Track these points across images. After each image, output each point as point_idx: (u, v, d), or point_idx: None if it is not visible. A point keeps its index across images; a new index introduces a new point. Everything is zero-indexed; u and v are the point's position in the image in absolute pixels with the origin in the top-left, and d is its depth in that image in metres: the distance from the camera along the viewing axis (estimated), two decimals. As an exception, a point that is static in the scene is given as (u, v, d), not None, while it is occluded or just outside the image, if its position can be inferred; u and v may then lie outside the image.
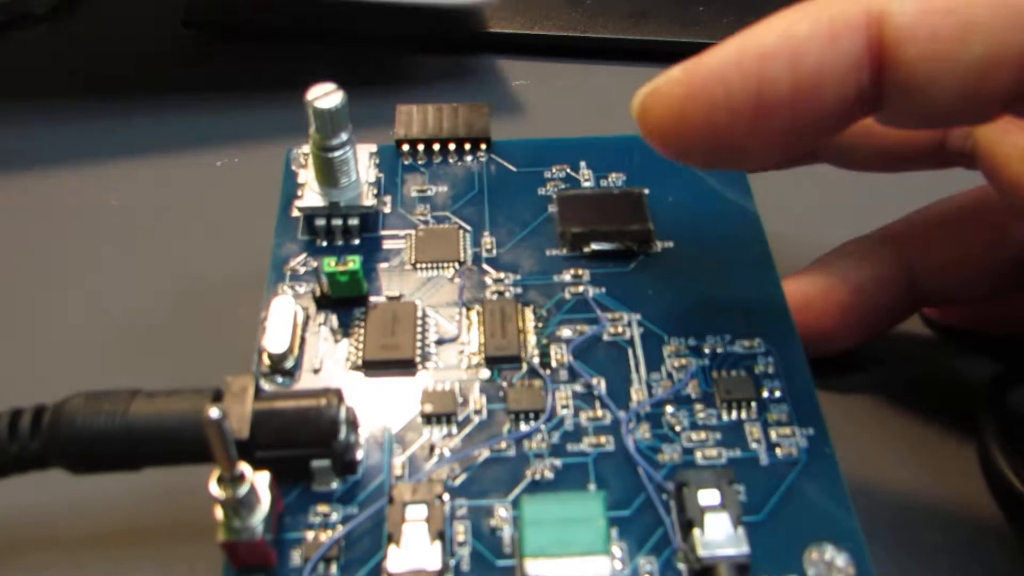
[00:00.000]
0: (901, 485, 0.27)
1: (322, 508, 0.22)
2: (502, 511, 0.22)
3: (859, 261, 0.28)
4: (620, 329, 0.26)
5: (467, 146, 0.31)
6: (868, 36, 0.18)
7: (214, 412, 0.19)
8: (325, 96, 0.26)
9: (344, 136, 0.27)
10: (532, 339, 0.26)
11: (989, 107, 0.18)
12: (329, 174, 0.28)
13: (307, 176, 0.28)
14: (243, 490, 0.20)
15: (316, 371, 0.25)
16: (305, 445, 0.22)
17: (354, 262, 0.26)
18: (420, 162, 0.31)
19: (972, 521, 0.27)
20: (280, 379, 0.25)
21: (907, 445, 0.29)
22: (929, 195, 0.29)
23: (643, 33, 0.42)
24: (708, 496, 0.22)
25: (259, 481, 0.21)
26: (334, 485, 0.23)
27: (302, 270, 0.28)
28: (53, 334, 0.32)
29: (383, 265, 0.28)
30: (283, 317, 0.25)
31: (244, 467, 0.20)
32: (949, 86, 0.17)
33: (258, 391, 0.23)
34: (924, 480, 0.27)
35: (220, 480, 0.20)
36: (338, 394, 0.22)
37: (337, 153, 0.27)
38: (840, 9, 0.18)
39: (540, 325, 0.26)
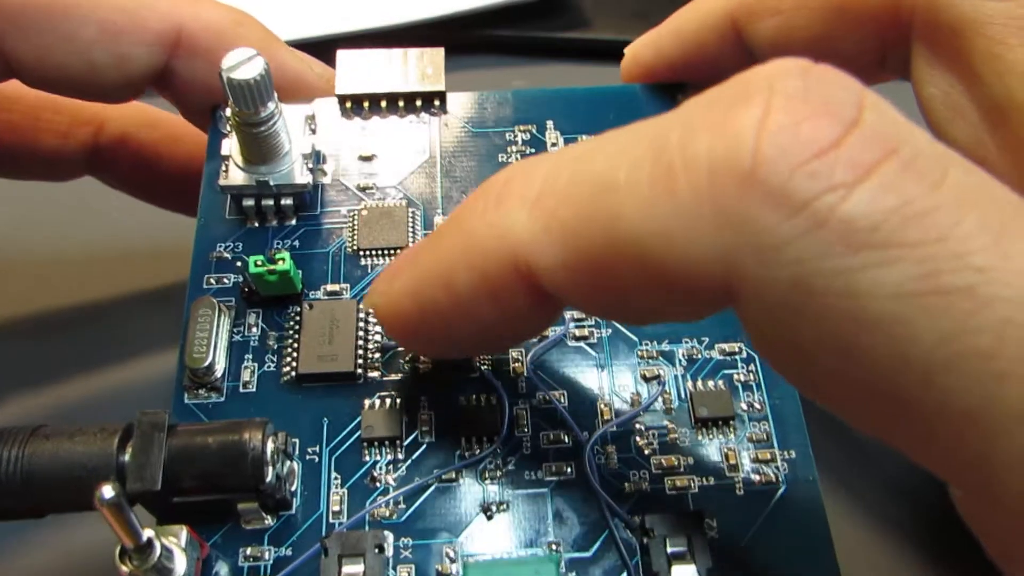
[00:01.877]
0: (881, 511, 0.25)
1: (252, 551, 0.20)
2: (450, 552, 0.20)
3: None
4: (586, 332, 0.23)
5: (418, 102, 0.27)
6: (527, 289, 0.17)
7: (107, 491, 0.16)
8: (243, 64, 0.22)
9: (271, 107, 0.23)
10: (487, 344, 0.23)
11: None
12: (255, 150, 0.24)
13: (231, 147, 0.25)
14: (152, 560, 0.18)
15: (246, 384, 0.23)
16: (228, 490, 0.20)
17: (284, 260, 0.23)
18: (365, 121, 0.27)
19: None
20: (205, 393, 0.22)
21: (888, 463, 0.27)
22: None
23: (643, 33, 0.39)
24: (675, 544, 0.20)
25: (172, 539, 0.19)
26: (267, 522, 0.21)
27: (230, 256, 0.25)
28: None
29: (321, 251, 0.25)
30: (204, 325, 0.22)
31: (149, 533, 0.18)
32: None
33: (173, 427, 0.20)
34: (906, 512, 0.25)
35: (123, 554, 0.18)
36: (263, 427, 0.20)
37: (262, 128, 0.23)
38: (491, 265, 0.17)
39: (497, 326, 0.23)
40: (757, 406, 0.22)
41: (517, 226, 0.17)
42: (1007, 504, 0.13)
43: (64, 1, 0.24)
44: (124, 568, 0.18)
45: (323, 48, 0.40)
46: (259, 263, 0.23)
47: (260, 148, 0.24)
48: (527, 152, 0.27)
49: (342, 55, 0.27)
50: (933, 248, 0.13)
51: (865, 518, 0.26)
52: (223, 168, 0.25)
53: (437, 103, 0.27)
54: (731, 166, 0.14)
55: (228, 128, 0.25)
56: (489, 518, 0.21)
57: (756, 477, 0.21)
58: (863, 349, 0.14)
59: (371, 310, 0.22)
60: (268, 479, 0.20)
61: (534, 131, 0.27)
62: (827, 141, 0.14)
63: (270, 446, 0.20)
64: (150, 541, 0.18)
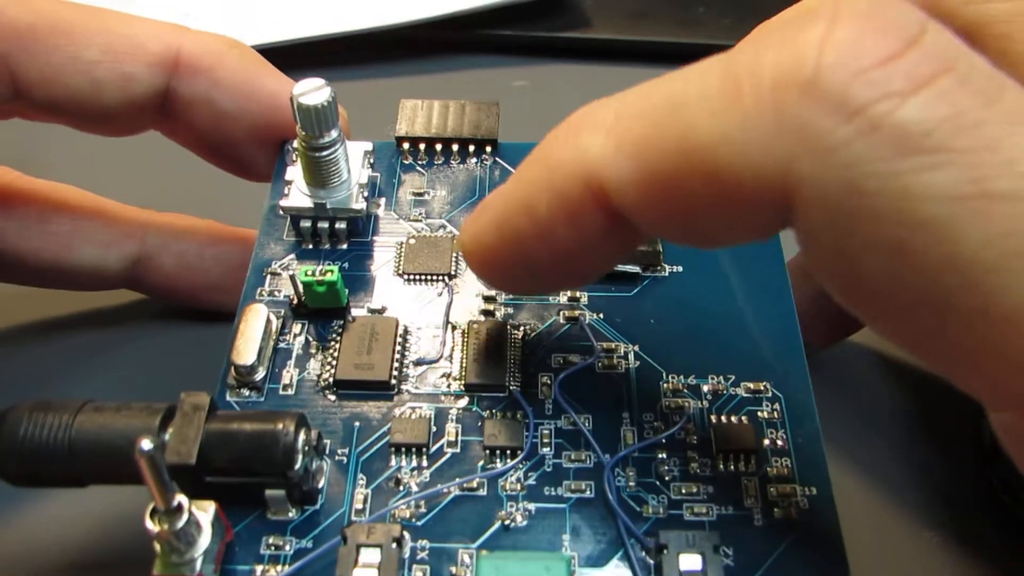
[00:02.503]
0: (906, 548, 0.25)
1: (275, 540, 0.21)
2: (466, 557, 0.21)
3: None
4: (615, 361, 0.24)
5: (471, 148, 0.29)
6: (602, 210, 0.18)
7: (146, 444, 0.17)
8: (313, 92, 0.24)
9: (333, 134, 0.25)
10: (519, 367, 0.24)
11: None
12: (316, 174, 0.26)
13: (295, 174, 0.27)
14: (180, 524, 0.19)
15: (286, 387, 0.24)
16: (258, 473, 0.21)
17: (332, 272, 0.24)
18: (420, 162, 0.29)
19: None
20: (247, 393, 0.23)
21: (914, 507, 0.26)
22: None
23: (643, 33, 0.42)
24: (689, 561, 0.20)
25: (202, 512, 0.19)
26: (291, 514, 0.21)
27: (284, 273, 0.26)
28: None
29: (369, 273, 0.26)
30: (254, 327, 0.24)
31: (182, 499, 0.19)
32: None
33: (213, 410, 0.21)
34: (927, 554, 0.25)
35: (155, 513, 0.18)
36: (297, 419, 0.21)
37: (325, 153, 0.25)
38: (568, 187, 0.18)
39: (529, 352, 0.24)
40: (780, 443, 0.23)
41: (593, 148, 0.18)
42: None
43: (70, 24, 0.27)
44: (153, 526, 0.18)
45: (325, 47, 0.43)
46: (309, 273, 0.24)
47: (321, 173, 0.26)
48: (570, 198, 0.28)
49: (405, 103, 0.30)
50: (982, 155, 0.14)
51: (886, 561, 0.25)
52: (285, 191, 0.26)
53: (489, 150, 0.29)
54: (794, 75, 0.15)
55: (294, 157, 0.27)
56: (507, 528, 0.21)
57: (776, 511, 0.21)
58: (911, 251, 0.14)
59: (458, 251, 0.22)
60: (296, 467, 0.20)
61: (578, 179, 0.28)
62: (887, 53, 0.15)
63: (302, 437, 0.21)
64: (180, 506, 0.19)
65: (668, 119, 0.17)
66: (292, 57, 0.40)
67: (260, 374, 0.24)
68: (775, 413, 0.23)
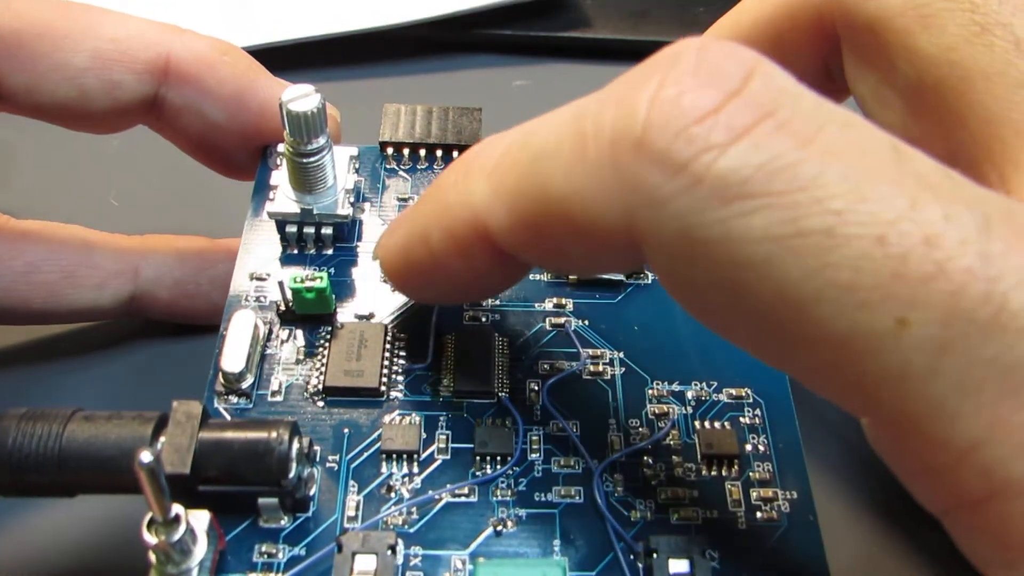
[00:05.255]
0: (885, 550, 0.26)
1: (268, 548, 0.21)
2: (458, 563, 0.21)
3: None
4: (601, 368, 0.25)
5: (455, 153, 0.29)
6: (486, 247, 0.20)
7: (145, 456, 0.17)
8: (301, 98, 0.24)
9: (321, 141, 0.25)
10: (507, 373, 0.24)
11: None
12: (303, 180, 0.26)
13: (280, 179, 0.27)
14: (177, 535, 0.19)
15: (274, 393, 0.24)
16: (252, 482, 0.21)
17: (321, 279, 0.24)
18: (404, 167, 0.29)
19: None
20: (235, 400, 0.23)
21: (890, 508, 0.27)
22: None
23: (643, 33, 0.42)
24: (678, 565, 0.20)
25: (197, 522, 0.19)
26: (283, 522, 0.21)
27: (271, 279, 0.26)
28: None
29: (355, 279, 0.26)
30: (242, 333, 0.24)
31: (179, 509, 0.19)
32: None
33: (206, 418, 0.21)
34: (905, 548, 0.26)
35: (152, 524, 0.18)
36: (291, 427, 0.21)
37: (312, 159, 0.25)
38: (457, 226, 0.20)
39: (516, 359, 0.25)
40: (761, 448, 0.23)
41: (477, 194, 0.20)
42: (887, 418, 0.16)
43: (56, 31, 0.26)
44: (150, 538, 0.18)
45: (327, 47, 0.42)
46: (298, 279, 0.24)
47: (308, 178, 0.26)
48: (553, 205, 0.28)
49: (388, 107, 0.30)
50: (796, 196, 0.15)
51: (864, 561, 0.26)
52: (271, 196, 0.26)
53: (472, 156, 0.29)
54: (627, 134, 0.16)
55: (279, 162, 0.27)
56: (498, 534, 0.21)
57: (759, 514, 0.22)
58: (744, 287, 0.16)
59: (376, 260, 0.24)
60: (291, 475, 0.21)
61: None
62: (707, 108, 0.16)
63: (295, 445, 0.21)
64: (178, 517, 0.19)
65: (531, 170, 0.18)
66: (291, 57, 0.40)
67: (248, 381, 0.24)
68: (756, 419, 0.24)
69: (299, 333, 0.25)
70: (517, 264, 0.21)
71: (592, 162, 0.17)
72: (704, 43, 0.17)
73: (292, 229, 0.26)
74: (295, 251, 0.27)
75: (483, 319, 0.26)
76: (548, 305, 0.26)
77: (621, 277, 0.26)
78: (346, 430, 0.23)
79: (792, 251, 0.15)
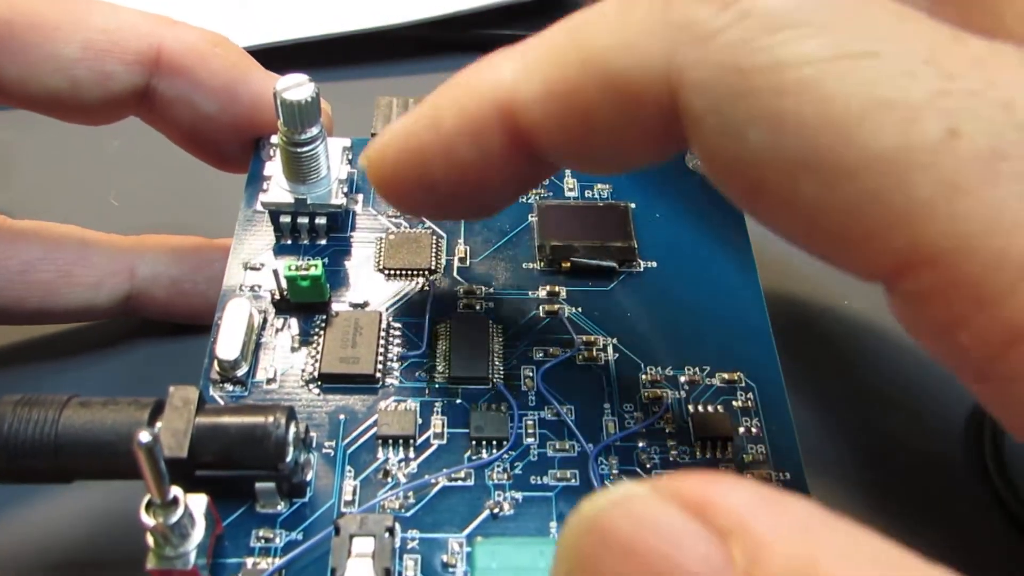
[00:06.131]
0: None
1: (265, 533, 0.21)
2: (456, 546, 0.21)
3: None
4: (595, 353, 0.25)
5: (447, 145, 0.29)
6: (506, 130, 0.19)
7: (144, 436, 0.17)
8: (295, 87, 0.24)
9: (314, 130, 0.25)
10: (501, 359, 0.24)
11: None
12: (297, 169, 0.26)
13: (274, 169, 0.27)
14: (175, 517, 0.19)
15: (270, 381, 0.24)
16: (249, 466, 0.21)
17: (316, 267, 0.24)
18: (397, 159, 0.29)
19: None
20: (231, 387, 0.23)
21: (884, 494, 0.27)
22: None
23: None
24: (674, 545, 0.20)
25: (195, 505, 0.19)
26: (280, 507, 0.21)
27: (265, 268, 0.26)
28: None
29: (349, 269, 0.26)
30: (237, 321, 0.24)
31: (177, 491, 0.19)
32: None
33: (202, 403, 0.21)
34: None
35: (150, 506, 0.18)
36: (288, 412, 0.21)
37: (306, 148, 0.25)
38: (477, 105, 0.19)
39: (510, 345, 0.25)
40: (755, 431, 0.23)
41: (504, 70, 0.19)
42: (934, 249, 0.14)
43: (48, 22, 0.26)
44: (148, 520, 0.18)
45: (326, 47, 0.43)
46: (293, 268, 0.24)
47: (302, 168, 0.26)
48: (545, 195, 0.29)
49: (380, 100, 0.30)
50: (841, 24, 0.15)
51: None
52: (264, 186, 0.26)
53: (465, 147, 0.29)
54: None
55: (272, 153, 0.27)
56: (495, 517, 0.22)
57: (752, 495, 0.22)
58: (789, 116, 0.15)
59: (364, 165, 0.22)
60: (287, 459, 0.21)
61: (552, 177, 0.29)
62: None
63: (292, 430, 0.21)
64: (176, 499, 0.19)
65: (571, 39, 0.18)
66: (289, 57, 0.40)
67: (243, 369, 0.24)
68: (749, 402, 0.24)
69: (294, 322, 0.25)
70: (531, 161, 0.20)
71: (640, 13, 0.17)
72: None
73: (286, 219, 0.26)
74: (289, 241, 0.27)
75: (478, 307, 0.26)
76: (542, 293, 0.26)
77: (614, 265, 0.26)
78: (342, 416, 0.23)
79: (837, 72, 0.15)
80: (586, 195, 0.29)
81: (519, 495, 0.22)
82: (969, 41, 0.15)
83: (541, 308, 0.26)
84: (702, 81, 0.16)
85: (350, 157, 0.28)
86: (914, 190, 0.14)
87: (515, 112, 0.19)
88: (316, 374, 0.24)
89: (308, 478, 0.22)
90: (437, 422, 0.23)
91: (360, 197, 0.28)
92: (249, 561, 0.21)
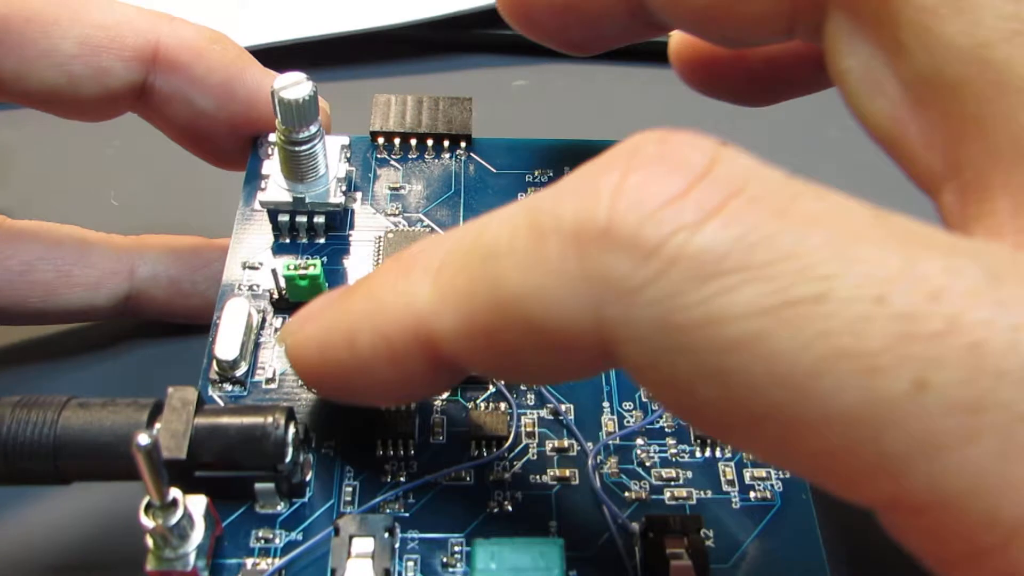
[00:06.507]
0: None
1: (264, 533, 0.21)
2: (455, 546, 0.21)
3: None
4: (594, 352, 0.25)
5: (446, 143, 0.29)
6: (426, 357, 0.18)
7: (143, 439, 0.17)
8: (293, 86, 0.24)
9: (312, 129, 0.25)
10: (500, 358, 0.24)
11: None
12: (295, 168, 0.26)
13: (272, 168, 0.27)
14: (174, 518, 0.19)
15: (269, 381, 0.24)
16: (248, 467, 0.21)
17: (315, 266, 0.24)
18: (395, 156, 0.29)
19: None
20: (230, 387, 0.23)
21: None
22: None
23: None
24: (673, 544, 0.20)
25: (194, 506, 0.19)
26: (279, 508, 0.21)
27: (263, 268, 0.26)
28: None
29: (348, 267, 0.26)
30: (236, 321, 0.24)
31: (176, 493, 0.19)
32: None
33: (201, 404, 0.21)
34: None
35: (149, 508, 0.18)
36: (287, 412, 0.21)
37: (304, 147, 0.25)
38: (393, 331, 0.18)
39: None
40: (754, 429, 0.23)
41: (420, 296, 0.18)
42: (917, 502, 0.13)
43: (44, 17, 0.26)
44: (148, 521, 0.18)
45: (326, 47, 0.43)
46: (291, 267, 0.24)
47: (300, 167, 0.26)
48: (544, 193, 0.28)
49: (378, 98, 0.30)
50: (779, 266, 0.14)
51: (856, 536, 0.26)
52: (262, 185, 0.26)
53: (464, 145, 0.29)
54: (590, 224, 0.15)
55: (270, 151, 0.27)
56: (494, 516, 0.22)
57: (752, 494, 0.22)
58: (735, 372, 0.14)
59: (281, 346, 0.22)
60: (287, 460, 0.21)
61: (552, 174, 0.29)
62: (676, 191, 0.15)
63: (291, 430, 0.21)
64: (175, 501, 0.19)
65: (483, 271, 0.17)
66: (289, 57, 0.40)
67: (242, 368, 0.24)
68: (748, 400, 0.24)
69: (292, 321, 0.25)
70: (457, 373, 0.19)
71: (552, 257, 0.16)
72: (662, 135, 0.16)
73: (284, 218, 0.26)
74: (287, 240, 0.27)
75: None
76: (541, 291, 0.26)
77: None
78: (341, 416, 0.23)
79: (783, 323, 0.14)
80: (585, 193, 0.28)
81: (519, 494, 0.22)
82: (924, 259, 0.14)
83: (540, 307, 0.26)
84: (635, 339, 0.15)
85: (348, 155, 0.28)
86: (887, 446, 0.13)
87: (434, 341, 0.18)
88: (315, 374, 0.24)
89: (307, 478, 0.22)
90: (436, 421, 0.23)
91: (359, 195, 0.28)
92: (249, 562, 0.21)
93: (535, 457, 0.23)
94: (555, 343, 0.16)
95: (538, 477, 0.22)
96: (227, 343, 0.23)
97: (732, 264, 0.14)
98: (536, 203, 0.16)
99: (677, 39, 0.26)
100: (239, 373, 0.23)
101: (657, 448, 0.23)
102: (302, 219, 0.26)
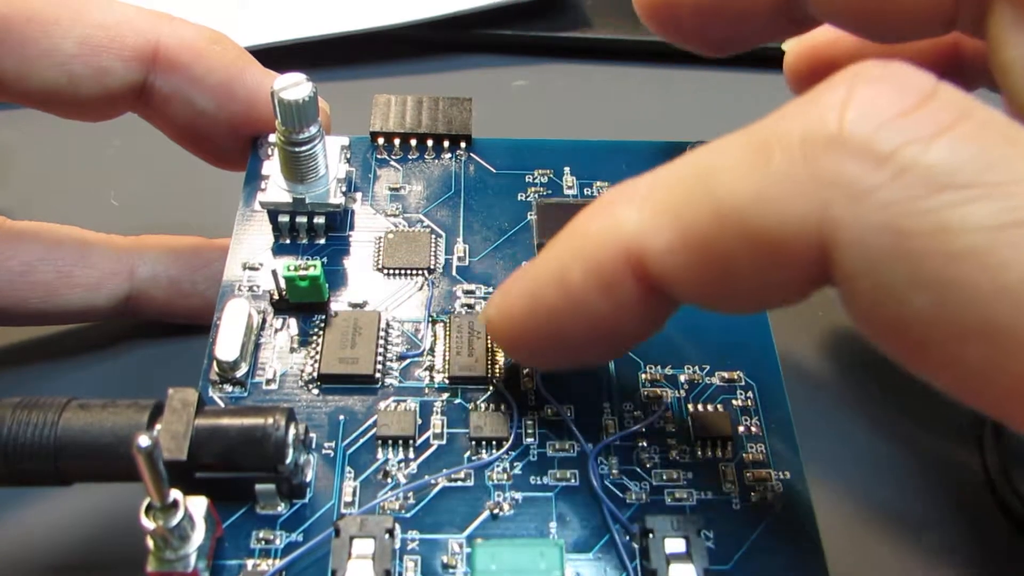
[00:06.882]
0: (880, 533, 0.26)
1: (265, 534, 0.21)
2: (456, 547, 0.21)
3: None
4: (594, 353, 0.25)
5: (446, 143, 0.29)
6: (638, 280, 0.18)
7: (143, 440, 0.17)
8: (293, 86, 0.24)
9: (312, 130, 0.25)
10: (501, 359, 0.24)
11: None
12: (295, 169, 0.26)
13: (272, 168, 0.27)
14: (175, 520, 0.19)
15: (269, 381, 0.24)
16: (249, 468, 0.21)
17: (315, 267, 0.24)
18: (395, 157, 0.29)
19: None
20: (230, 388, 0.23)
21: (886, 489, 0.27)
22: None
23: (643, 33, 0.42)
24: (674, 544, 0.20)
25: (194, 507, 0.19)
26: (280, 509, 0.21)
27: (263, 269, 0.26)
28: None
29: (348, 268, 0.26)
30: (236, 322, 0.24)
31: (177, 495, 0.19)
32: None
33: (202, 405, 0.21)
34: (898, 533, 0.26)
35: (150, 509, 0.18)
36: (287, 413, 0.21)
37: (304, 148, 0.25)
38: (604, 257, 0.19)
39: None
40: (754, 430, 0.23)
41: (628, 219, 0.18)
42: None
43: (45, 17, 0.26)
44: (148, 523, 0.18)
45: (326, 47, 0.43)
46: (292, 268, 0.24)
47: (300, 167, 0.26)
48: (545, 193, 0.28)
49: (378, 98, 0.30)
50: (1013, 187, 0.14)
51: (856, 539, 0.26)
52: (262, 186, 0.26)
53: (463, 145, 0.29)
54: (820, 132, 0.16)
55: (270, 152, 0.27)
56: (495, 517, 0.22)
57: (752, 495, 0.22)
58: (960, 282, 0.14)
59: (484, 326, 0.22)
60: (287, 461, 0.21)
61: (551, 175, 0.29)
62: (907, 105, 0.16)
63: (292, 431, 0.21)
64: (176, 502, 0.19)
65: (700, 186, 0.17)
66: (289, 57, 0.40)
67: (243, 369, 0.24)
68: (749, 401, 0.24)
69: (292, 322, 0.25)
70: (666, 303, 0.19)
71: (780, 162, 0.16)
72: (884, 62, 0.17)
73: (284, 219, 0.26)
74: (287, 241, 0.27)
75: (477, 306, 0.26)
76: (541, 292, 0.26)
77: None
78: (341, 417, 0.23)
79: (1011, 240, 0.14)
80: (585, 193, 0.28)
81: (519, 495, 0.22)
82: None
83: (540, 307, 0.26)
84: (858, 242, 0.15)
85: (348, 156, 0.28)
86: None
87: (645, 262, 0.18)
88: (315, 374, 0.24)
89: (308, 479, 0.22)
90: (437, 422, 0.23)
91: (358, 196, 0.28)
92: (249, 563, 0.21)
93: (535, 458, 0.23)
94: (774, 249, 0.16)
95: (538, 478, 0.22)
96: (227, 344, 0.23)
97: (965, 179, 0.15)
98: (755, 127, 0.17)
99: None
100: (239, 374, 0.23)
101: (657, 449, 0.23)
102: (302, 220, 0.26)
